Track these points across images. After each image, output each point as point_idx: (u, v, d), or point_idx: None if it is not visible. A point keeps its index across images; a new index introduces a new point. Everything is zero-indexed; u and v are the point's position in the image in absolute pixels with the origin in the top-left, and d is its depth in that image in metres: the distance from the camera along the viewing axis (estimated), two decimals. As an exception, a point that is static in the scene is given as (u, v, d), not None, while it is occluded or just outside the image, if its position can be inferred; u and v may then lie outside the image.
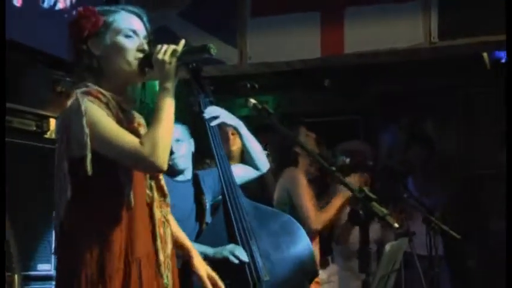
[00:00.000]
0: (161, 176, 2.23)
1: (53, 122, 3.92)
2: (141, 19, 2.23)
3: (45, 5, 3.77)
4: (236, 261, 2.99)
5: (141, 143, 2.02)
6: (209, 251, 3.03)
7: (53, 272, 3.81)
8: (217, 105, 3.22)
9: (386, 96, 6.12)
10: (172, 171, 3.16)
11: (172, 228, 2.40)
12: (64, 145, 2.06)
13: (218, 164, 3.19)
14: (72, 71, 2.21)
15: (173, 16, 4.65)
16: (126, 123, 2.13)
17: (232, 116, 3.25)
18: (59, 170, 2.08)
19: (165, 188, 2.24)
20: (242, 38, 4.58)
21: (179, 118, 3.22)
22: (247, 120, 3.36)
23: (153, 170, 2.09)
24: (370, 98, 6.21)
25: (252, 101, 2.47)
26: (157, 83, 2.13)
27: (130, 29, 2.18)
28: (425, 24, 4.22)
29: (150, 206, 2.17)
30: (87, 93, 2.08)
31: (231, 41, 4.57)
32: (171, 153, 3.16)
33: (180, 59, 2.11)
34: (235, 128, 3.28)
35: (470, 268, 5.63)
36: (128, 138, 2.03)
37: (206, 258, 3.01)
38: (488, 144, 5.82)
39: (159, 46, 2.13)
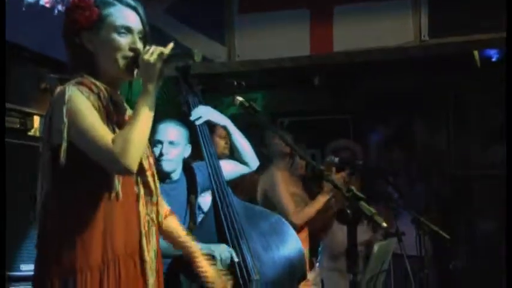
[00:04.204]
0: (149, 172, 2.21)
1: (37, 120, 3.91)
2: (137, 12, 2.20)
3: (29, 0, 3.76)
4: (219, 265, 3.00)
5: (112, 140, 1.98)
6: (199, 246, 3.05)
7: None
8: (206, 104, 3.23)
9: (376, 94, 6.14)
10: (157, 174, 3.17)
11: (176, 228, 2.46)
12: (46, 133, 2.05)
13: (207, 161, 3.20)
14: (67, 65, 2.17)
15: (159, 13, 4.64)
16: (116, 115, 2.12)
17: (220, 114, 3.27)
18: (40, 158, 2.07)
19: (152, 185, 2.20)
20: (230, 35, 4.60)
21: (182, 121, 3.26)
22: (234, 119, 3.38)
23: (120, 171, 2.04)
24: (360, 97, 6.23)
25: (239, 98, 2.48)
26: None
27: (125, 25, 2.15)
28: (415, 21, 4.26)
29: (135, 203, 2.14)
30: (80, 83, 2.07)
31: (218, 38, 4.59)
32: (160, 155, 3.18)
33: (166, 62, 2.10)
34: (223, 127, 3.30)
35: (459, 268, 5.67)
36: (101, 133, 2.00)
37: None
38: (478, 144, 5.86)
39: (147, 47, 2.12)
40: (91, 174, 2.05)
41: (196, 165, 3.37)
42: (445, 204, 5.64)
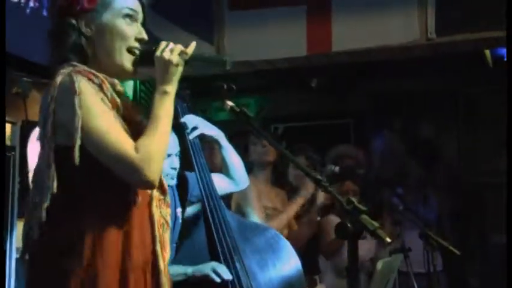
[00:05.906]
0: None
1: (8, 127, 3.89)
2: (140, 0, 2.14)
3: (-2, -4, 3.74)
4: (218, 280, 2.98)
5: (136, 149, 1.91)
6: (189, 270, 3.00)
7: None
8: (194, 109, 3.24)
9: (379, 97, 6.15)
10: None
11: None
12: (49, 130, 1.94)
13: (198, 173, 3.18)
14: (52, 49, 2.09)
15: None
16: (123, 108, 2.03)
17: (212, 126, 3.26)
18: (40, 160, 1.97)
19: (165, 183, 2.16)
20: (220, 33, 4.57)
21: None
22: (225, 125, 3.38)
23: (142, 185, 1.98)
24: (362, 100, 6.24)
25: (229, 103, 2.46)
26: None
27: (132, 9, 2.09)
28: (421, 18, 4.23)
29: (148, 205, 2.08)
30: (77, 73, 1.97)
31: (207, 37, 4.55)
32: (173, 169, 3.15)
33: (187, 64, 2.04)
34: (215, 140, 3.30)
35: (471, 286, 5.67)
36: (120, 139, 1.92)
37: (186, 278, 3.01)
38: (491, 149, 5.86)
39: (163, 43, 2.05)
40: (105, 177, 1.95)
41: (189, 175, 3.35)
42: (455, 216, 5.63)
